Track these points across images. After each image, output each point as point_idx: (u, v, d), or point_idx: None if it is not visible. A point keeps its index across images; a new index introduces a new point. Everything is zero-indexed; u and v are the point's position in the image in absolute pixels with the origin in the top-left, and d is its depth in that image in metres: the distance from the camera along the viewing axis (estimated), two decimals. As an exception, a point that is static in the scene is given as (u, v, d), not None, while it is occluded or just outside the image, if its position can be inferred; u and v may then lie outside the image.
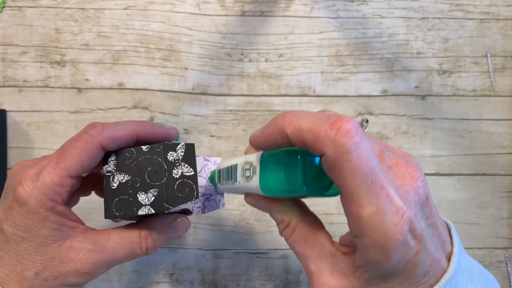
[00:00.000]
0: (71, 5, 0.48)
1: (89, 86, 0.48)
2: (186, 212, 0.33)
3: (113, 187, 0.30)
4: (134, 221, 0.33)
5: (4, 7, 0.48)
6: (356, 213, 0.22)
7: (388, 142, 0.49)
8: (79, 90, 0.48)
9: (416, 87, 0.49)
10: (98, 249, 0.30)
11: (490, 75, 0.50)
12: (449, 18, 0.49)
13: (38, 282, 0.29)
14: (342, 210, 0.46)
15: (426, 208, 0.24)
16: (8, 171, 0.47)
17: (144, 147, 0.30)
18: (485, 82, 0.50)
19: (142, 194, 0.30)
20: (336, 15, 0.49)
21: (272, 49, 0.49)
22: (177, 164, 0.30)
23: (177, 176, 0.30)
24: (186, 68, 0.48)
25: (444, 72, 0.49)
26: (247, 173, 0.27)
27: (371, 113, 0.49)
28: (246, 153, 0.29)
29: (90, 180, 0.36)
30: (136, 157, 0.30)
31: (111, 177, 0.30)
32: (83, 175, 0.31)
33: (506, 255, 0.49)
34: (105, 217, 0.31)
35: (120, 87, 0.48)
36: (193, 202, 0.32)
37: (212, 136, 0.48)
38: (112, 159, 0.31)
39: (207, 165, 0.34)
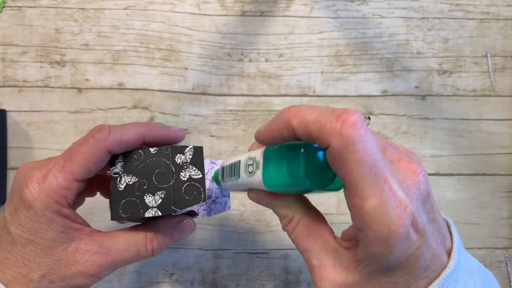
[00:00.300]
0: (71, 5, 0.48)
1: (89, 86, 0.48)
2: (192, 214, 0.33)
3: (120, 189, 0.30)
4: (140, 223, 0.33)
5: (4, 7, 0.48)
6: (359, 205, 0.22)
7: (388, 142, 0.49)
8: (79, 90, 0.48)
9: (416, 87, 0.49)
10: (104, 251, 0.30)
11: (490, 75, 0.50)
12: (449, 18, 0.49)
13: (44, 284, 0.29)
14: (342, 210, 0.46)
15: (427, 203, 0.24)
16: (8, 171, 0.47)
17: (152, 149, 0.30)
18: (485, 82, 0.50)
19: (149, 196, 0.30)
20: (336, 15, 0.49)
21: (272, 49, 0.49)
22: (185, 167, 0.30)
23: (185, 179, 0.30)
24: (186, 68, 0.48)
25: (444, 72, 0.49)
26: (250, 169, 0.27)
27: (371, 113, 0.49)
28: (249, 150, 0.29)
29: (95, 181, 0.35)
30: (144, 159, 0.30)
31: (118, 179, 0.30)
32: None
33: (506, 255, 0.49)
34: (111, 219, 0.30)
35: (120, 87, 0.48)
36: (199, 204, 0.32)
37: (212, 136, 0.48)
38: (119, 160, 0.30)
39: (213, 168, 0.34)
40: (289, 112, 0.24)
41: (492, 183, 0.49)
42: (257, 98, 0.48)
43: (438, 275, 0.24)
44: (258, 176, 0.26)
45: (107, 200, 0.32)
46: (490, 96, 0.50)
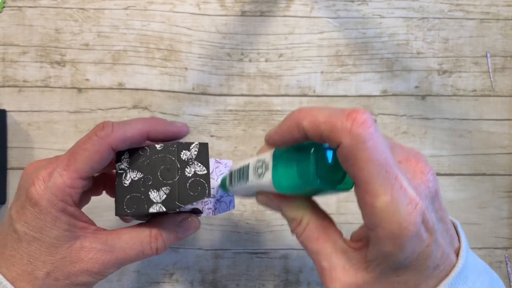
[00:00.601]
0: (71, 5, 0.48)
1: (89, 86, 0.48)
2: (197, 212, 0.33)
3: (126, 185, 0.30)
4: (144, 221, 0.33)
5: (4, 7, 0.48)
6: (370, 203, 0.22)
7: (388, 142, 0.49)
8: (79, 90, 0.48)
9: (416, 87, 0.49)
10: (108, 249, 0.30)
11: (490, 75, 0.50)
12: (449, 18, 0.49)
13: (49, 281, 0.29)
14: (342, 210, 0.46)
15: (436, 202, 0.24)
16: (8, 171, 0.47)
17: (158, 146, 0.30)
18: (485, 82, 0.50)
19: (154, 192, 0.30)
20: (336, 15, 0.49)
21: (272, 49, 0.49)
22: (190, 163, 0.30)
23: (190, 175, 0.30)
24: (186, 68, 0.48)
25: (444, 72, 0.49)
26: (260, 171, 0.27)
27: (371, 113, 0.49)
28: (258, 153, 0.29)
29: (101, 180, 0.36)
30: (150, 155, 0.30)
31: (124, 175, 0.30)
32: (95, 175, 0.31)
33: (506, 255, 0.49)
34: (116, 214, 0.31)
35: (120, 87, 0.48)
36: (204, 202, 0.32)
37: (212, 136, 0.48)
38: (125, 156, 0.31)
39: (218, 167, 0.34)
40: (299, 114, 0.24)
41: (492, 183, 0.49)
42: (257, 98, 0.48)
43: (448, 274, 0.24)
44: (268, 177, 0.26)
45: (111, 200, 0.33)
46: (490, 96, 0.50)
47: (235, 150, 0.48)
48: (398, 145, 0.26)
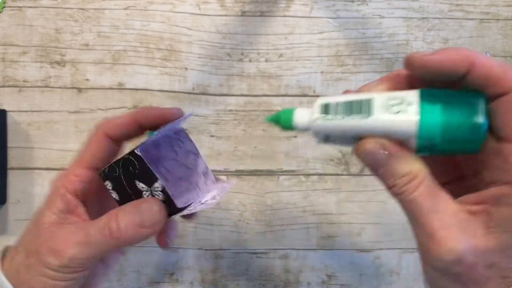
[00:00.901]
0: (71, 5, 0.48)
1: (89, 86, 0.48)
2: (188, 214, 0.32)
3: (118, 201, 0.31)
4: None
5: (4, 7, 0.48)
6: None
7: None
8: (79, 90, 0.48)
9: (416, 87, 0.49)
10: (85, 240, 0.29)
11: (490, 75, 0.50)
12: (449, 18, 0.49)
13: (20, 259, 0.29)
14: (342, 210, 0.46)
15: None
16: (8, 171, 0.47)
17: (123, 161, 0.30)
18: (485, 82, 0.50)
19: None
20: (336, 15, 0.49)
21: (272, 49, 0.49)
22: (136, 178, 0.30)
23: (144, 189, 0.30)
24: (186, 68, 0.48)
25: (444, 72, 0.49)
26: (395, 108, 0.24)
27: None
28: (364, 91, 0.26)
29: None
30: (120, 174, 0.30)
31: (112, 195, 0.31)
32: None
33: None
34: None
35: (120, 87, 0.48)
36: (196, 202, 0.32)
37: (212, 136, 0.48)
38: (107, 184, 0.31)
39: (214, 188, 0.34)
40: (468, 51, 0.23)
41: None
42: (257, 98, 0.48)
43: None
44: (411, 117, 0.23)
45: None
46: (490, 96, 0.50)
47: (235, 150, 0.48)
48: None
